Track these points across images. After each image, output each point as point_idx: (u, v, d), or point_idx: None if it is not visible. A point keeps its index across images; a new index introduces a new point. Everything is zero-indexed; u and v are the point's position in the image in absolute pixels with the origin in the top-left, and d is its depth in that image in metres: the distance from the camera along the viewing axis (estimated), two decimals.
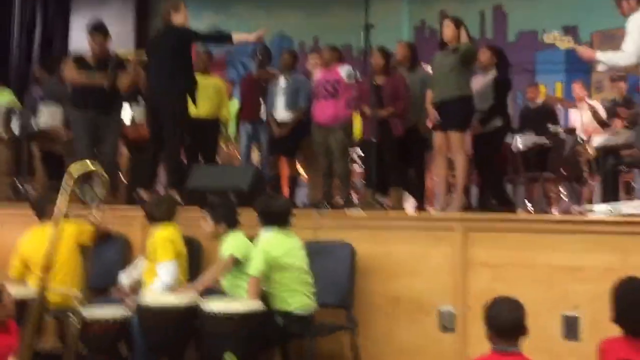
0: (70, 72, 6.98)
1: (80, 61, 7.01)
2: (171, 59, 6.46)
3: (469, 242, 4.99)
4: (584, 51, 5.74)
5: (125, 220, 5.99)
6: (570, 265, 4.71)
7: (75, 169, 4.19)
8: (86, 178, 4.42)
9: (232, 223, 5.00)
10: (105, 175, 4.28)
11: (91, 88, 6.83)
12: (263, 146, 7.83)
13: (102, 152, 6.82)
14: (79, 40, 12.20)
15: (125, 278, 5.30)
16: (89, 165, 4.36)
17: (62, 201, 4.15)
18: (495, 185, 7.11)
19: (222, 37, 6.84)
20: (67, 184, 4.11)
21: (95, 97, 6.82)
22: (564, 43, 5.73)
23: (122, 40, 9.84)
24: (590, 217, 5.08)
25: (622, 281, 3.50)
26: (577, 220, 5.02)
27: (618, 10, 5.68)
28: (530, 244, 4.85)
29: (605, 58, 5.55)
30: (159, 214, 5.19)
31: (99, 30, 7.06)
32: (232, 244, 4.87)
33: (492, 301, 3.53)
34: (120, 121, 7.26)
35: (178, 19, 6.56)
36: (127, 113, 7.47)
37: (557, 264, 4.75)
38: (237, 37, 6.72)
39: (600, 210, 5.07)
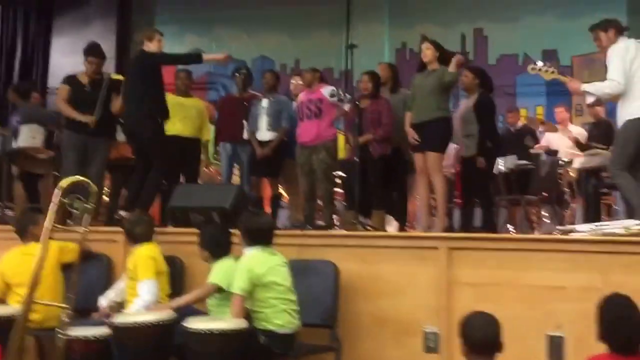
0: (61, 103, 7.09)
1: (73, 83, 7.11)
2: (140, 83, 6.55)
3: (453, 261, 5.03)
4: (570, 84, 5.89)
5: (108, 240, 5.98)
6: (553, 285, 4.78)
7: (66, 182, 4.23)
8: (76, 191, 4.42)
9: (216, 252, 5.04)
10: (95, 187, 4.30)
11: (85, 111, 6.92)
12: (244, 167, 7.83)
13: (89, 173, 6.79)
14: (60, 62, 12.32)
15: (104, 300, 5.31)
16: (79, 178, 4.39)
17: (49, 218, 4.17)
18: (485, 209, 7.17)
19: (191, 57, 6.87)
20: (56, 197, 4.13)
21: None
22: (548, 74, 5.88)
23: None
24: (572, 236, 5.15)
25: (607, 298, 3.56)
26: (559, 239, 5.09)
27: (596, 44, 5.86)
28: (514, 264, 4.91)
29: (593, 89, 5.68)
30: (139, 233, 5.22)
31: (95, 52, 7.18)
32: (218, 272, 4.89)
33: (467, 316, 3.59)
34: (110, 144, 7.28)
35: (150, 47, 6.66)
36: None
37: (540, 284, 4.82)
38: (206, 57, 6.81)
39: (583, 229, 5.15)
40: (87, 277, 5.54)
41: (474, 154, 7.07)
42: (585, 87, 5.71)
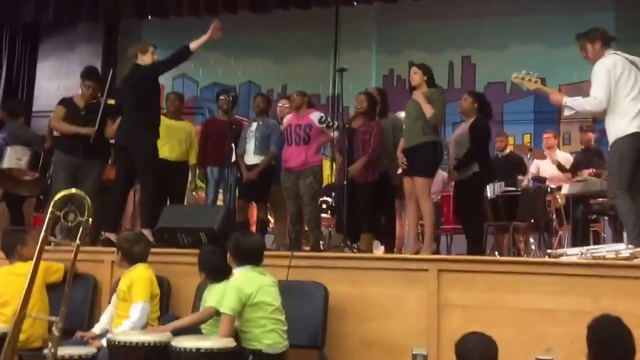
0: (57, 122, 7.13)
1: (69, 105, 7.15)
2: (136, 97, 6.58)
3: (443, 284, 5.07)
4: (553, 95, 5.89)
5: (94, 260, 5.96)
6: (543, 308, 4.83)
7: (60, 195, 4.24)
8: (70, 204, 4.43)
9: (213, 276, 5.06)
10: (89, 200, 4.31)
11: (79, 135, 6.98)
12: (231, 190, 7.84)
13: None
14: (45, 86, 12.33)
15: (97, 329, 5.27)
16: (73, 191, 4.41)
17: (44, 230, 4.18)
18: (475, 233, 7.20)
19: (182, 53, 6.70)
20: (51, 210, 4.15)
21: (82, 143, 6.96)
22: (531, 83, 5.89)
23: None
24: (563, 260, 5.18)
25: (598, 319, 3.59)
26: (549, 263, 5.12)
27: (582, 54, 5.85)
28: (504, 287, 4.95)
29: (574, 104, 5.67)
30: (137, 252, 5.22)
31: (93, 76, 7.27)
32: (216, 295, 4.86)
33: (464, 336, 3.61)
34: (103, 167, 7.32)
35: (145, 60, 6.71)
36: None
37: (530, 307, 4.86)
38: (194, 45, 6.65)
39: (574, 253, 5.19)
40: (73, 297, 5.46)
41: (464, 177, 7.09)
42: (567, 100, 5.69)
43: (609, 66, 5.52)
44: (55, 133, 7.38)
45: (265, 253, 5.05)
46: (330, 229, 8.93)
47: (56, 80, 12.34)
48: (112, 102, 7.31)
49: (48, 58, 12.68)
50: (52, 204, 4.18)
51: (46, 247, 4.81)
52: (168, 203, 7.49)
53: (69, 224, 4.22)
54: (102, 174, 7.27)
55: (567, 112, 5.88)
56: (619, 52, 5.67)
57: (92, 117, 7.04)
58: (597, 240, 7.96)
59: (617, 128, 5.49)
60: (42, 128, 8.98)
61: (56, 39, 12.64)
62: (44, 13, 10.98)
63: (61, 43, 12.54)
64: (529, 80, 5.91)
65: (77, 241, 4.38)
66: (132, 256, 5.21)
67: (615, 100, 5.48)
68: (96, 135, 6.96)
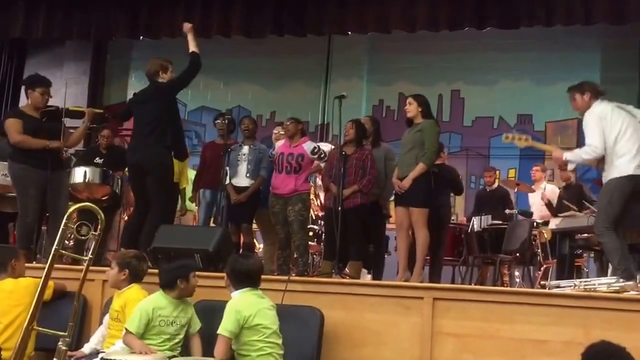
0: (23, 137, 6.71)
1: (23, 117, 6.78)
2: (157, 114, 6.52)
3: (437, 312, 5.13)
4: (555, 153, 6.12)
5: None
6: (536, 338, 4.90)
7: (73, 209, 4.29)
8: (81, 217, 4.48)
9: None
10: (102, 214, 4.35)
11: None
12: (223, 213, 7.89)
13: (56, 208, 6.75)
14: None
15: (87, 349, 5.26)
16: (87, 205, 4.45)
17: (57, 243, 4.22)
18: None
19: (196, 62, 6.68)
20: (65, 222, 4.19)
21: (46, 154, 6.70)
22: (522, 142, 6.11)
23: (75, 102, 9.90)
24: (555, 291, 5.31)
25: (593, 345, 3.68)
26: (543, 294, 5.23)
27: (572, 104, 6.05)
28: (498, 316, 5.03)
29: (573, 157, 5.90)
30: (143, 271, 5.24)
31: (43, 82, 6.93)
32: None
33: None
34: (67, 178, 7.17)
35: (165, 79, 6.64)
36: (80, 172, 7.43)
37: (523, 337, 4.93)
38: (194, 47, 6.69)
39: (567, 285, 5.32)
40: (62, 315, 5.50)
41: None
42: (567, 155, 5.94)
43: (598, 113, 5.75)
44: None
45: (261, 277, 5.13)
46: (314, 256, 9.01)
47: None
48: (75, 108, 7.24)
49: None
50: (65, 217, 4.23)
51: (36, 265, 4.87)
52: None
53: (82, 237, 4.26)
54: (67, 185, 7.13)
55: (570, 167, 6.13)
56: (605, 100, 5.88)
57: (56, 125, 6.77)
58: (580, 275, 8.12)
59: (612, 170, 5.66)
60: None
61: (44, 55, 12.63)
62: (33, 29, 10.96)
63: (49, 60, 12.50)
64: (519, 139, 6.11)
65: (90, 255, 4.42)
66: (138, 275, 5.20)
67: (610, 142, 5.66)
68: (50, 163, 6.67)
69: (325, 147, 8.04)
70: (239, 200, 7.68)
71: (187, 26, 6.90)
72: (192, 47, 6.70)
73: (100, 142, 8.29)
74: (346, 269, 6.97)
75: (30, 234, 6.80)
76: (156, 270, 5.49)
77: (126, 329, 4.73)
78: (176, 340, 4.84)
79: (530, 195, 9.36)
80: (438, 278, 7.71)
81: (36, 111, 6.82)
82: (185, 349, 4.90)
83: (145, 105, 6.65)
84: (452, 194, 8.48)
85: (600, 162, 5.82)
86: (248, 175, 7.76)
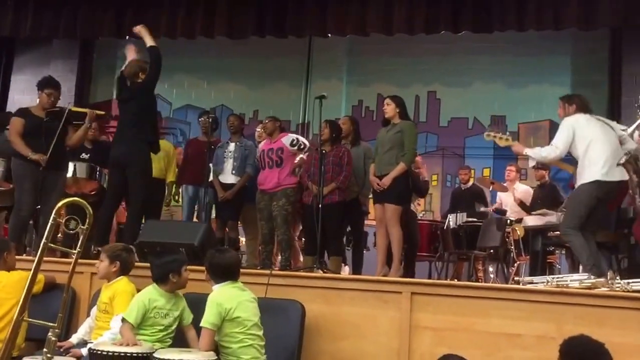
0: (15, 138, 6.83)
1: (27, 116, 6.92)
2: (136, 112, 6.61)
3: (415, 306, 5.12)
4: (515, 147, 6.20)
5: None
6: (510, 332, 4.91)
7: (62, 203, 4.24)
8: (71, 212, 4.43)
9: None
10: (90, 209, 4.30)
11: (42, 142, 6.75)
12: (207, 208, 7.87)
13: (48, 203, 6.62)
14: (19, 99, 12.17)
15: (74, 339, 5.23)
16: (75, 200, 4.40)
17: (46, 236, 4.17)
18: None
19: (155, 57, 6.69)
20: (53, 217, 4.14)
21: (44, 152, 6.72)
22: (503, 141, 6.15)
23: (63, 100, 9.82)
24: (529, 287, 5.32)
25: (568, 339, 3.68)
26: (517, 289, 5.22)
27: (558, 111, 6.17)
28: (473, 311, 5.03)
29: (532, 152, 6.00)
30: (131, 263, 5.23)
31: (53, 84, 7.08)
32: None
33: (442, 357, 3.69)
34: (65, 177, 7.17)
35: (142, 79, 6.72)
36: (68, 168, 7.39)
37: (497, 331, 4.94)
38: (150, 41, 6.70)
39: (540, 281, 5.34)
40: (51, 307, 5.45)
41: None
42: (528, 151, 6.04)
43: (572, 122, 5.87)
44: None
45: (244, 271, 5.10)
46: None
47: (30, 94, 12.14)
48: (76, 109, 7.28)
49: (23, 72, 12.56)
50: (54, 211, 4.18)
51: (25, 257, 4.82)
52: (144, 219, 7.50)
53: (71, 231, 4.21)
54: (64, 184, 7.13)
55: (530, 163, 6.24)
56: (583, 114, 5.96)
57: (56, 124, 6.85)
58: (552, 271, 8.15)
59: (583, 175, 5.76)
60: None
61: (32, 53, 12.55)
62: (22, 27, 10.89)
63: (37, 58, 12.44)
64: (500, 138, 6.15)
65: (78, 248, 4.37)
66: (128, 267, 5.19)
67: (582, 149, 5.75)
68: (47, 161, 6.68)
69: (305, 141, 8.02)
70: (226, 197, 7.66)
71: (136, 28, 6.87)
72: (149, 41, 6.72)
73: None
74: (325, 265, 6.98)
75: (22, 227, 6.88)
76: (142, 264, 5.49)
77: (125, 319, 4.69)
78: (168, 332, 4.82)
79: (504, 194, 9.38)
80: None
81: (42, 111, 6.95)
82: (182, 341, 4.89)
83: (127, 104, 6.74)
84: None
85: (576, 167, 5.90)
86: (234, 172, 7.76)
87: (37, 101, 7.08)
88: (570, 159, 6.06)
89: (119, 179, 6.59)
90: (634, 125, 6.06)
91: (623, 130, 6.01)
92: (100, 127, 8.50)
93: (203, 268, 4.91)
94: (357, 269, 7.57)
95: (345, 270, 8.04)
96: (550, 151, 5.84)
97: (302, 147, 7.57)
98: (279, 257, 7.62)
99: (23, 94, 12.25)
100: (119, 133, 6.74)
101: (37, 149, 6.75)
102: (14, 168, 6.95)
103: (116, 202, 6.70)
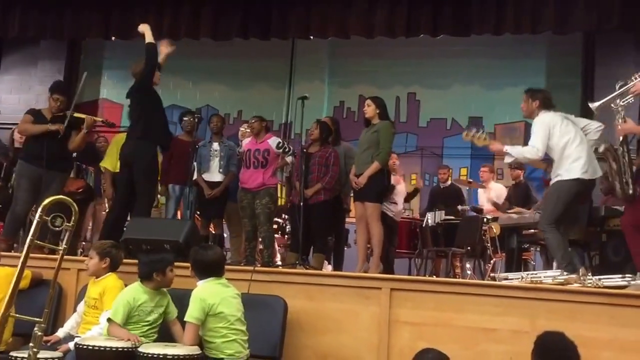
0: (27, 125, 7.00)
1: (36, 115, 7.06)
2: (136, 108, 6.68)
3: (394, 302, 5.16)
4: (492, 146, 6.24)
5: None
6: (485, 327, 4.95)
7: (48, 201, 4.23)
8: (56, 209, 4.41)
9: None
10: (76, 207, 4.29)
11: (43, 143, 6.81)
12: (192, 207, 7.84)
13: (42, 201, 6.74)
14: (6, 99, 12.11)
15: (61, 332, 5.22)
16: (62, 197, 4.39)
17: (32, 234, 4.15)
18: None
19: (148, 52, 6.78)
20: (39, 215, 4.12)
21: (47, 153, 6.80)
22: (481, 141, 6.17)
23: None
24: (504, 283, 5.36)
25: (544, 335, 3.72)
26: (492, 285, 5.26)
27: (522, 105, 6.18)
28: (450, 306, 5.07)
29: (514, 151, 6.03)
30: (120, 258, 5.23)
31: (62, 90, 7.19)
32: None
33: (421, 352, 3.71)
34: (65, 178, 7.20)
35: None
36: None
37: (473, 325, 4.98)
38: (149, 38, 6.79)
39: (515, 277, 5.38)
40: (38, 302, 5.42)
41: None
42: (508, 148, 6.06)
43: (548, 120, 5.89)
44: (17, 144, 7.25)
45: (228, 267, 5.11)
46: (279, 248, 9.02)
47: (17, 94, 12.16)
48: (79, 115, 7.20)
49: (10, 72, 12.46)
50: (40, 208, 4.16)
51: (13, 254, 4.79)
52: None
53: (57, 228, 4.19)
54: (63, 186, 7.13)
55: (507, 159, 6.21)
56: (552, 111, 6.00)
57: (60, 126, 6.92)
58: (527, 268, 8.21)
59: (559, 173, 5.79)
60: (3, 140, 8.86)
61: (19, 53, 12.42)
62: (10, 28, 10.79)
63: (24, 58, 12.32)
64: (478, 138, 6.17)
65: (64, 245, 4.36)
66: (117, 263, 5.20)
67: (560, 148, 5.77)
68: (50, 162, 6.79)
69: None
70: (214, 195, 7.67)
71: (140, 27, 6.95)
72: (148, 38, 6.79)
73: None
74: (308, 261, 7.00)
75: (17, 223, 6.90)
76: (128, 260, 5.48)
77: (111, 319, 4.69)
78: (154, 327, 4.82)
79: (480, 192, 9.44)
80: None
81: (50, 114, 7.04)
82: (168, 335, 4.88)
83: (131, 102, 6.81)
84: None
85: (550, 165, 5.93)
86: (221, 170, 7.78)
87: (48, 104, 7.17)
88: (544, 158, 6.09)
89: (128, 177, 6.59)
90: (601, 101, 5.93)
91: (586, 123, 6.03)
92: None
93: (188, 264, 4.92)
94: (338, 265, 7.60)
95: (328, 268, 8.06)
96: (533, 153, 5.87)
97: (287, 150, 7.58)
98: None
99: (10, 93, 12.20)
100: (128, 132, 6.81)
101: (38, 151, 6.82)
102: (17, 168, 7.08)
103: (125, 199, 6.63)
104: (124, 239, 5.94)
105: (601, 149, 5.54)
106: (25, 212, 6.88)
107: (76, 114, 7.13)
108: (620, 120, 5.48)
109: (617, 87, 5.56)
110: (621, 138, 5.55)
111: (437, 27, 9.36)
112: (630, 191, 5.48)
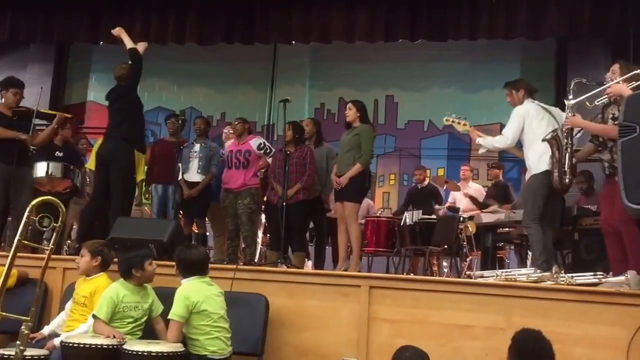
0: None
1: None
2: (120, 112, 6.61)
3: (373, 299, 5.11)
4: (471, 134, 6.21)
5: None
6: (461, 324, 4.91)
7: (36, 201, 4.15)
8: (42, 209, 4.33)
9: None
10: (63, 207, 4.22)
11: (9, 141, 6.70)
12: (174, 207, 7.77)
13: (18, 201, 6.66)
14: None
15: (46, 330, 5.13)
16: (49, 198, 4.31)
17: (20, 233, 4.06)
18: None
19: (135, 58, 6.69)
20: (27, 215, 4.04)
21: (13, 150, 6.69)
22: (461, 126, 6.13)
23: (42, 103, 9.66)
24: (479, 281, 5.33)
25: (521, 332, 3.66)
26: (468, 283, 5.23)
27: (508, 99, 6.13)
28: (427, 303, 5.02)
29: (485, 142, 6.01)
30: (111, 258, 5.13)
31: (16, 84, 7.00)
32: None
33: (401, 348, 3.66)
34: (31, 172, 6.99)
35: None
36: (42, 167, 7.23)
37: (450, 322, 4.94)
38: (130, 43, 6.72)
39: (490, 275, 5.34)
40: (24, 301, 5.32)
41: None
42: (480, 140, 6.05)
43: (523, 112, 5.85)
44: None
45: (211, 266, 5.05)
46: (261, 247, 8.96)
47: None
48: (45, 111, 7.23)
49: None
50: (28, 209, 4.08)
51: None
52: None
53: (44, 228, 4.11)
54: (33, 180, 6.91)
55: (480, 151, 6.18)
56: (535, 101, 5.97)
57: (25, 123, 6.82)
58: (502, 265, 8.21)
59: (534, 166, 5.75)
60: None
61: (9, 57, 12.27)
62: (0, 31, 10.71)
63: (14, 61, 12.15)
64: (458, 123, 6.13)
65: (51, 245, 4.27)
66: (108, 262, 5.12)
67: (532, 141, 5.73)
68: (15, 159, 6.69)
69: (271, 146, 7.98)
70: (191, 194, 7.61)
71: (115, 31, 6.88)
72: (129, 44, 6.72)
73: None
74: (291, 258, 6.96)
75: None
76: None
77: (95, 316, 4.62)
78: (138, 324, 4.75)
79: (457, 193, 9.41)
80: None
81: (9, 110, 6.86)
82: (152, 333, 4.81)
83: (113, 105, 6.75)
84: None
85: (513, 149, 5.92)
86: (199, 171, 7.71)
87: (2, 100, 6.97)
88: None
89: (104, 176, 6.54)
90: (578, 99, 5.89)
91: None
92: (73, 129, 8.37)
93: (173, 263, 4.86)
94: (319, 263, 7.55)
95: (309, 265, 8.01)
96: (502, 142, 5.88)
97: (268, 151, 7.53)
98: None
99: None
100: (106, 133, 6.73)
101: (8, 145, 6.69)
102: None
103: (101, 199, 6.57)
104: (109, 239, 5.85)
105: (548, 136, 5.52)
106: (1, 210, 6.78)
107: (43, 110, 7.07)
108: (569, 114, 5.45)
109: (595, 84, 5.51)
110: (567, 131, 5.50)
111: (415, 33, 9.40)
112: (566, 181, 5.45)
